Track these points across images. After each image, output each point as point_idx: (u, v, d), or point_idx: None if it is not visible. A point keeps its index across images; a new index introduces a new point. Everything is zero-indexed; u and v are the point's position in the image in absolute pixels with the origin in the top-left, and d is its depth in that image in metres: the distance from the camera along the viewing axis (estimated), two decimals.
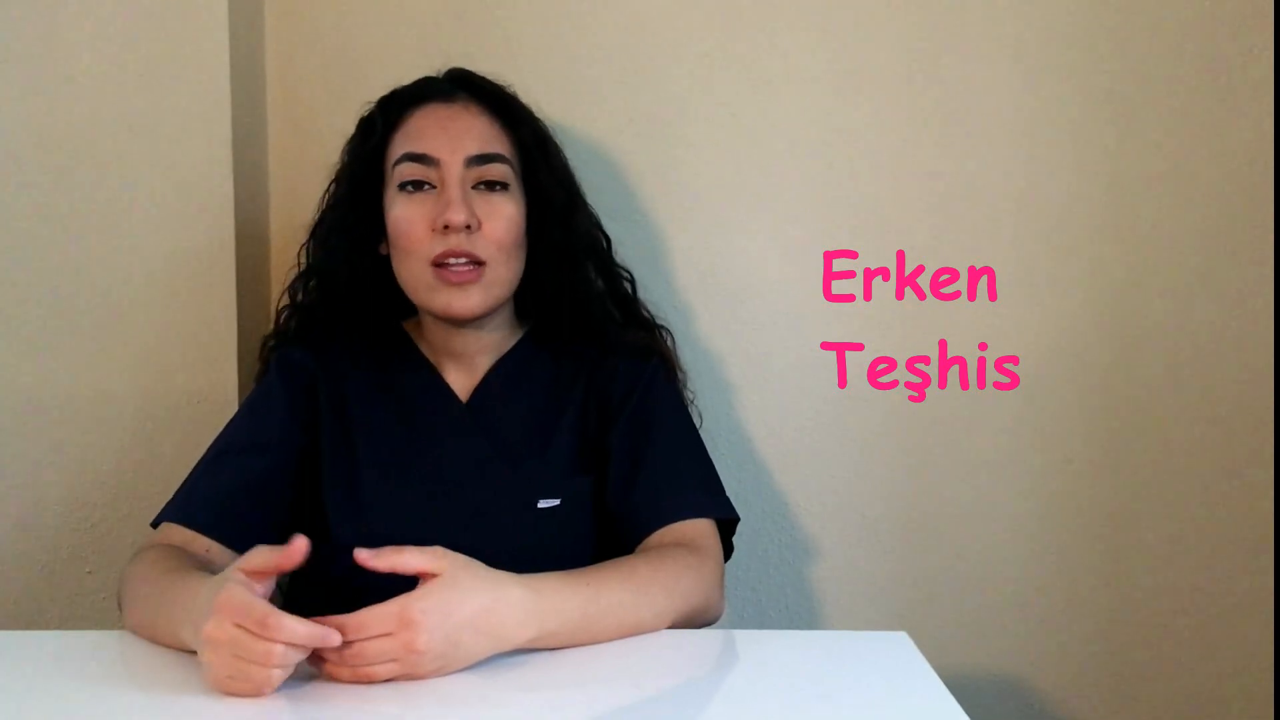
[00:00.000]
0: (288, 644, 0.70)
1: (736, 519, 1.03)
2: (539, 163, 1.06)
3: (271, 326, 1.16)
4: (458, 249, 0.99)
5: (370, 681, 0.74)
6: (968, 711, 0.71)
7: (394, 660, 0.74)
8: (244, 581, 0.73)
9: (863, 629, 1.31)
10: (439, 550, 0.77)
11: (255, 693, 0.71)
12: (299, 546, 0.74)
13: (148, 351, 1.23)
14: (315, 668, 0.75)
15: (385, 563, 0.75)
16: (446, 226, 0.99)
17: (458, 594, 0.75)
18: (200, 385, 1.24)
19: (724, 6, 1.30)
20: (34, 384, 1.22)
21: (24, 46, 1.20)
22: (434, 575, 0.75)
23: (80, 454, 1.23)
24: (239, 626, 0.70)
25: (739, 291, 1.33)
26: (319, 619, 0.73)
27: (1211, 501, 1.33)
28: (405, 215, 1.01)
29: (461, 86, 1.07)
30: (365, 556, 0.75)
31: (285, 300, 1.13)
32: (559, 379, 1.09)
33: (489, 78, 1.09)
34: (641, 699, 0.74)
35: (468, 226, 0.99)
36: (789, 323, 1.33)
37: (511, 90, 1.09)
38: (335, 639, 0.71)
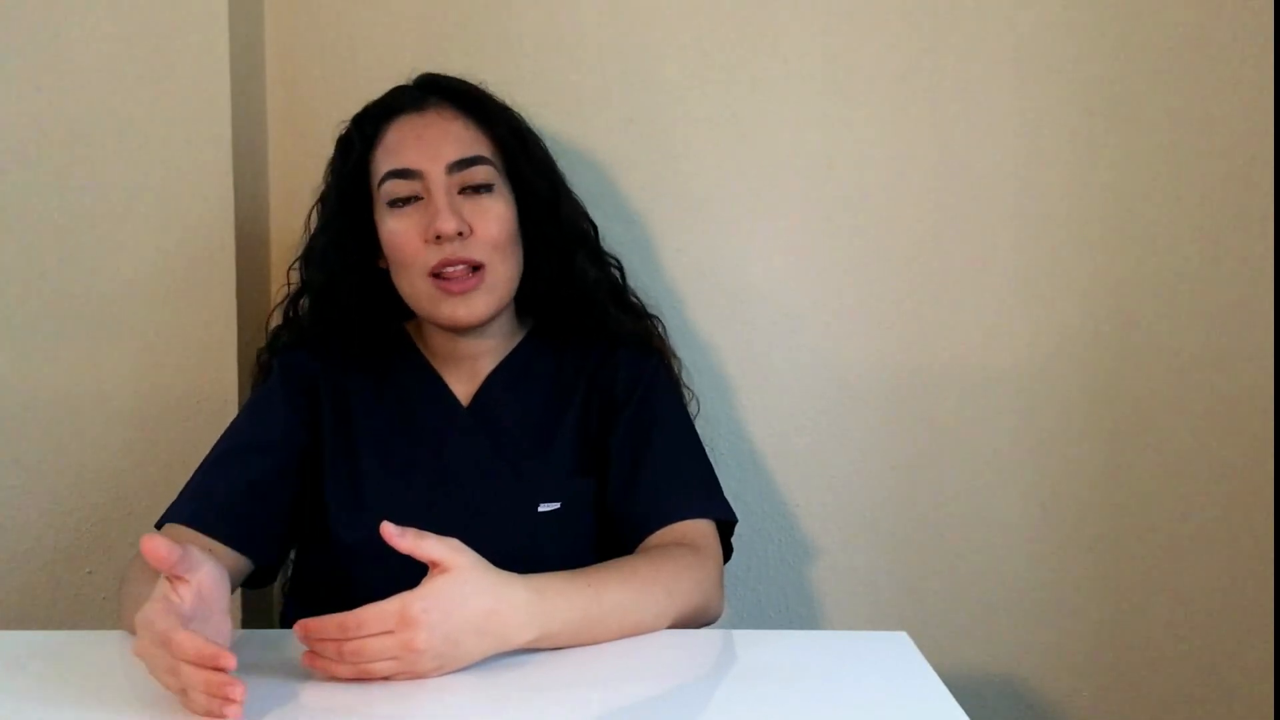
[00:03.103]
0: (187, 661, 0.67)
1: (734, 521, 1.03)
2: (520, 157, 1.06)
3: (269, 335, 1.15)
4: (453, 257, 0.99)
5: (369, 678, 0.74)
6: (968, 711, 0.71)
7: (393, 658, 0.74)
8: (162, 596, 0.71)
9: (863, 629, 1.31)
10: (456, 544, 0.77)
11: (200, 713, 0.68)
12: (150, 549, 0.69)
13: (147, 352, 1.23)
14: (313, 666, 0.75)
15: (406, 544, 0.74)
16: (439, 237, 0.99)
17: (460, 594, 0.75)
18: (200, 385, 1.24)
19: (724, 7, 1.30)
20: (34, 384, 1.22)
21: (24, 46, 1.20)
22: (444, 569, 0.75)
23: (80, 454, 1.23)
24: (155, 643, 0.69)
25: (739, 291, 1.33)
26: (319, 618, 0.73)
27: (1211, 501, 1.33)
28: (397, 229, 1.01)
29: (432, 92, 1.06)
30: (391, 532, 0.74)
31: (277, 319, 1.13)
32: (560, 380, 1.09)
33: (458, 77, 1.08)
34: (641, 699, 0.74)
35: (459, 234, 0.99)
36: (789, 323, 1.33)
37: (483, 87, 1.08)
38: (226, 662, 0.66)
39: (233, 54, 1.22)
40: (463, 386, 1.08)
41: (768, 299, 1.33)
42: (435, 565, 0.76)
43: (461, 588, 0.75)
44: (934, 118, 1.30)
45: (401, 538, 0.74)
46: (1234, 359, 1.31)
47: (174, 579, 0.72)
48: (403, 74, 1.11)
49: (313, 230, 1.12)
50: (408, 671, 0.74)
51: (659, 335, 1.16)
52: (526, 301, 1.11)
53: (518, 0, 1.30)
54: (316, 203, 1.11)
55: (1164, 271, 1.31)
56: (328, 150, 1.13)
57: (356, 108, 1.10)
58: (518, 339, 1.11)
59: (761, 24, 1.30)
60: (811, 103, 1.31)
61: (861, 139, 1.31)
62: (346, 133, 1.08)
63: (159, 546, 0.69)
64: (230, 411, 1.22)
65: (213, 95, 1.22)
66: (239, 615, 1.24)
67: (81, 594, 1.24)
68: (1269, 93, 1.29)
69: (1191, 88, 1.29)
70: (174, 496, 0.98)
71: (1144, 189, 1.30)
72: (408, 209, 1.01)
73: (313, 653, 0.75)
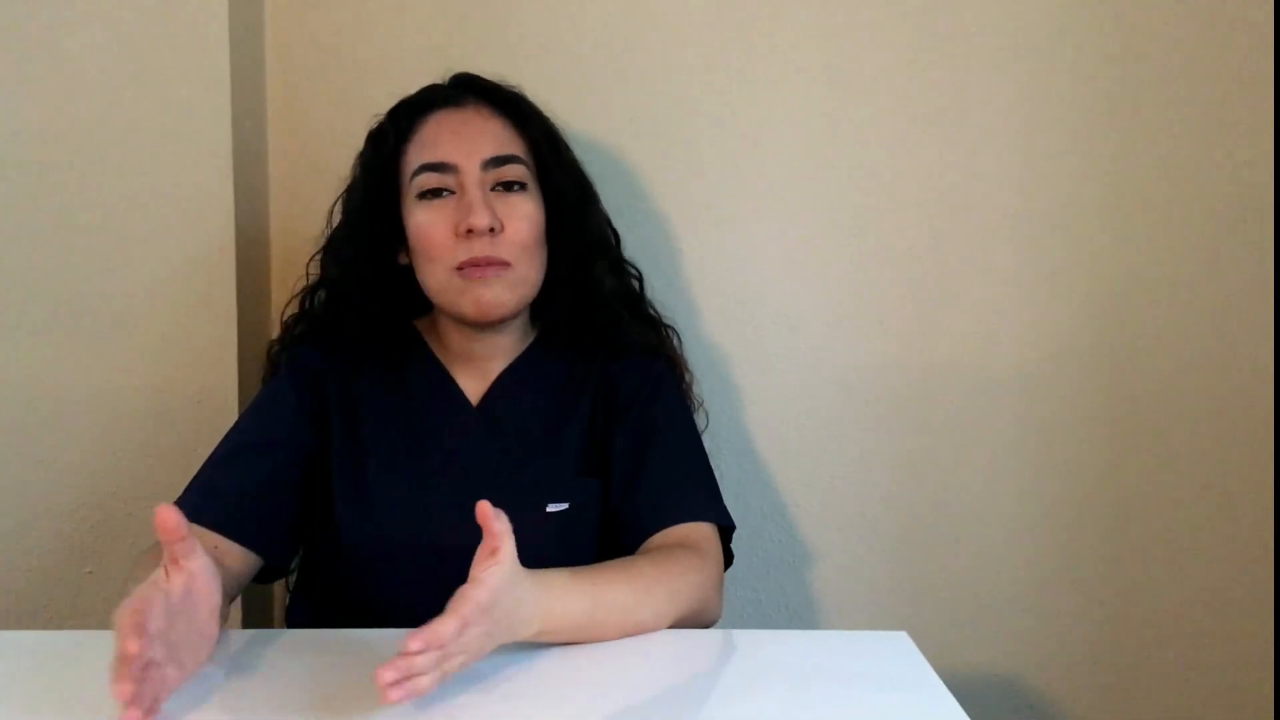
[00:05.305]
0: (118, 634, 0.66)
1: (733, 528, 1.03)
2: (551, 161, 1.06)
3: (276, 328, 1.15)
4: (482, 255, 0.99)
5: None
6: (968, 711, 0.72)
7: (463, 653, 0.71)
8: (153, 580, 0.70)
9: (863, 629, 1.31)
10: (511, 536, 0.74)
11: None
12: (162, 517, 0.69)
13: (148, 353, 1.23)
14: (399, 693, 0.67)
15: (500, 527, 0.72)
16: (470, 231, 0.98)
17: (507, 590, 0.73)
18: (201, 386, 1.24)
19: (725, 7, 1.30)
20: (35, 385, 1.22)
21: (24, 48, 1.20)
22: (496, 561, 0.72)
23: (81, 454, 1.23)
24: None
25: (738, 292, 1.33)
26: (438, 623, 0.69)
27: (1211, 501, 1.33)
28: (427, 220, 1.01)
29: (469, 90, 1.07)
30: (489, 514, 0.71)
31: (293, 308, 1.13)
32: (569, 382, 1.09)
33: (494, 79, 1.09)
34: (641, 699, 0.74)
35: (491, 230, 0.99)
36: (789, 323, 1.33)
37: (519, 90, 1.09)
38: (128, 643, 0.64)
39: (233, 54, 1.22)
40: (473, 386, 1.07)
41: (769, 299, 1.33)
42: (495, 553, 0.73)
43: (510, 579, 0.73)
44: (935, 120, 1.30)
45: (498, 520, 0.72)
46: (1234, 360, 1.31)
47: (170, 565, 0.71)
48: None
49: (335, 222, 1.11)
50: (461, 665, 0.72)
51: (673, 346, 1.16)
52: (541, 305, 1.10)
53: (519, 1, 1.30)
54: (341, 194, 1.11)
55: (1163, 272, 1.31)
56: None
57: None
58: (528, 340, 1.11)
59: (763, 25, 1.30)
60: (813, 104, 1.31)
61: (863, 140, 1.31)
62: (380, 125, 1.07)
63: (170, 516, 0.69)
64: (230, 411, 1.22)
65: (213, 96, 1.22)
66: (239, 615, 1.25)
67: (81, 594, 1.24)
68: (1269, 93, 1.29)
69: (1191, 88, 1.29)
70: (175, 496, 0.98)
71: (1143, 189, 1.30)
72: (438, 202, 1.01)
73: (394, 671, 0.67)
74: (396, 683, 0.66)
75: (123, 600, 0.69)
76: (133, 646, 0.64)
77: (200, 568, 0.72)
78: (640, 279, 1.17)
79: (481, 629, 0.71)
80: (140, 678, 0.66)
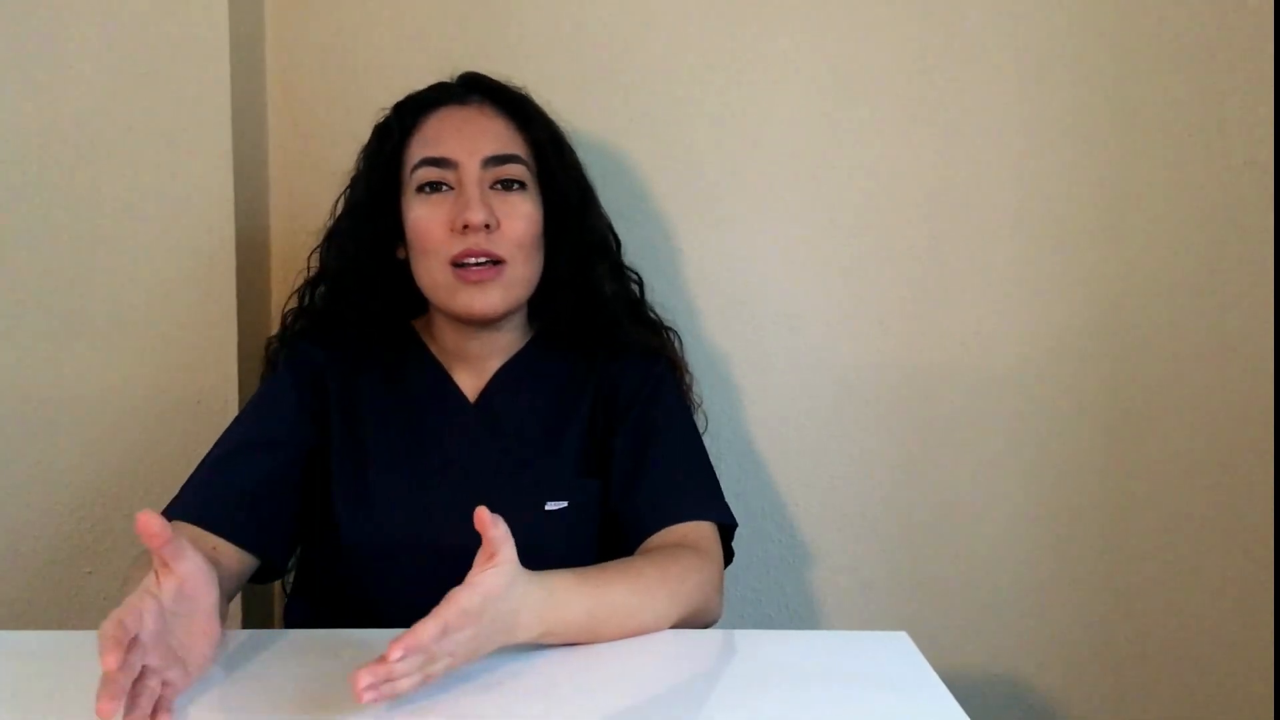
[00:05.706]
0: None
1: (735, 525, 1.03)
2: (554, 162, 1.07)
3: (275, 328, 1.15)
4: (477, 248, 0.99)
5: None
6: (968, 711, 0.72)
7: (451, 655, 0.71)
8: (144, 588, 0.70)
9: (863, 629, 1.31)
10: (510, 541, 0.74)
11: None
12: (143, 523, 0.68)
13: (148, 353, 1.23)
14: (372, 695, 0.66)
15: (498, 534, 0.72)
16: (466, 226, 0.99)
17: (502, 591, 0.73)
18: (201, 386, 1.24)
19: (725, 6, 1.30)
20: (34, 385, 1.22)
21: (24, 48, 1.20)
22: (495, 563, 0.72)
23: (81, 454, 1.23)
24: None
25: (738, 292, 1.33)
26: (420, 628, 0.68)
27: (1211, 501, 1.33)
28: (424, 215, 1.01)
29: (475, 89, 1.07)
30: (487, 521, 0.71)
31: (293, 303, 1.13)
32: (568, 381, 1.09)
33: (501, 80, 1.09)
34: (642, 699, 0.74)
35: (486, 226, 0.99)
36: (789, 323, 1.33)
37: (525, 91, 1.09)
38: (106, 659, 0.64)
39: (233, 54, 1.22)
40: (470, 383, 1.08)
41: (769, 299, 1.33)
42: (491, 557, 0.73)
43: (507, 583, 0.73)
44: (934, 120, 1.30)
45: (495, 526, 0.72)
46: (1234, 358, 1.31)
47: (160, 569, 0.71)
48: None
49: (337, 213, 1.12)
50: (448, 668, 0.72)
51: (673, 348, 1.16)
52: (540, 306, 1.11)
53: (519, 1, 1.30)
54: (345, 188, 1.11)
55: (1163, 271, 1.31)
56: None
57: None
58: (526, 339, 1.11)
59: (763, 25, 1.30)
60: (813, 104, 1.31)
61: (863, 140, 1.31)
62: (385, 120, 1.08)
63: (151, 522, 0.68)
64: (230, 412, 1.22)
65: (213, 95, 1.22)
66: (239, 615, 1.25)
67: (81, 594, 1.24)
68: (1269, 92, 1.29)
69: (1191, 88, 1.29)
70: (174, 496, 0.98)
71: (1143, 189, 1.30)
72: (436, 197, 1.02)
73: (371, 675, 0.66)
74: (372, 685, 0.65)
75: (113, 610, 0.68)
76: (110, 663, 0.64)
77: (193, 569, 0.72)
78: (640, 283, 1.17)
79: (468, 633, 0.71)
80: (134, 691, 0.66)
